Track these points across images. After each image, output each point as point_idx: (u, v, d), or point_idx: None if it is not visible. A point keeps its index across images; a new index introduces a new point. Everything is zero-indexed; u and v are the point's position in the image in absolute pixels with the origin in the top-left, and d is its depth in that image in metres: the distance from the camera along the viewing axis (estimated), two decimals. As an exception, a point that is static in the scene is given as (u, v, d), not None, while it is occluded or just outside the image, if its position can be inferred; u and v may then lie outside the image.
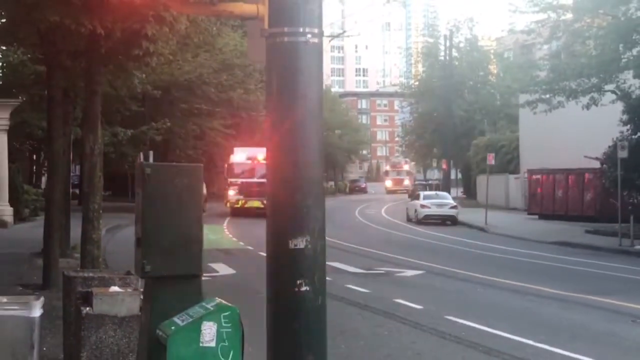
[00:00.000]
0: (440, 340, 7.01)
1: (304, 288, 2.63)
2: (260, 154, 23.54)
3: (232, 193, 25.92)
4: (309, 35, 2.45)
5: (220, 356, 2.82)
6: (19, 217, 19.77)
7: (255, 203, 24.05)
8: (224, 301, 2.99)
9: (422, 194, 27.08)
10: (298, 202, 2.58)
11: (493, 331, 7.20)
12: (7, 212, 19.10)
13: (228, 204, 26.38)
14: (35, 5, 8.43)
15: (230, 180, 26.24)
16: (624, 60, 18.11)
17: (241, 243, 17.07)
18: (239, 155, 26.93)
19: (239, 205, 25.51)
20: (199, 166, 3.74)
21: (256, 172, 25.13)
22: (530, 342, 6.68)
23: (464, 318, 7.78)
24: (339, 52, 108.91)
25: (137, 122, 24.65)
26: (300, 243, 2.60)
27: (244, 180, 25.67)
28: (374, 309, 8.70)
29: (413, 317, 8.10)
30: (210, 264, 11.02)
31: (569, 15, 20.51)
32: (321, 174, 2.62)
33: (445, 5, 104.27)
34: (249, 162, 25.99)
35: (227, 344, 2.85)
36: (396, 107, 77.21)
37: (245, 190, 25.36)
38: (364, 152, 74.24)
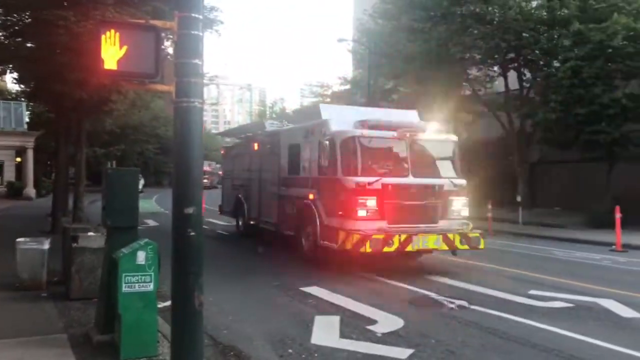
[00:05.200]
0: None
1: (192, 234, 4.87)
2: (408, 116, 12.71)
3: (362, 216, 10.26)
4: (196, 103, 4.60)
5: (147, 268, 5.12)
6: (39, 195, 36.41)
7: (431, 240, 10.29)
8: (149, 240, 5.29)
9: None
10: (190, 188, 4.78)
11: None
12: (32, 192, 36.31)
13: (347, 243, 10.04)
14: (48, 80, 14.91)
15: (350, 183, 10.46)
16: None
17: (162, 209, 28.40)
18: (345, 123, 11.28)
19: (392, 248, 9.95)
20: (136, 169, 6.12)
21: (415, 161, 10.96)
22: None
23: None
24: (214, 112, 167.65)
25: (109, 144, 47.77)
26: (190, 210, 4.81)
27: (393, 181, 10.63)
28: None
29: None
30: (144, 220, 18.58)
31: None
32: (201, 175, 4.80)
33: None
34: (392, 134, 10.96)
35: (150, 262, 5.15)
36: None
37: (405, 212, 10.63)
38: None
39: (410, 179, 10.91)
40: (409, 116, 13.04)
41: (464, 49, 24.82)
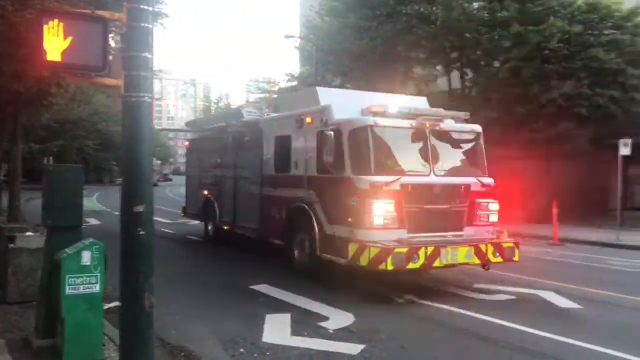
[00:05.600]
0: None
1: (142, 233, 4.71)
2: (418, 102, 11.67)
3: (379, 224, 8.44)
4: (146, 97, 4.44)
5: (92, 269, 4.92)
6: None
7: (462, 253, 8.61)
8: (95, 239, 5.08)
9: None
10: (140, 186, 4.62)
11: None
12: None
13: (362, 259, 8.26)
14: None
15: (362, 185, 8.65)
16: None
17: (104, 207, 28.12)
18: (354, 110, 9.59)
19: (418, 264, 8.17)
20: (80, 167, 5.87)
21: (436, 157, 9.34)
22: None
23: None
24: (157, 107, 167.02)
25: (46, 140, 44.80)
26: (140, 208, 4.65)
27: (414, 181, 8.89)
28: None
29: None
30: (85, 219, 15.41)
31: None
32: (150, 173, 4.65)
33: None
34: (410, 124, 9.21)
35: (96, 263, 4.95)
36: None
37: (427, 218, 8.95)
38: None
39: (433, 178, 9.16)
40: (419, 103, 11.36)
41: (409, 48, 25.27)
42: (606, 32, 21.89)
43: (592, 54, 21.13)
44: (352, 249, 8.55)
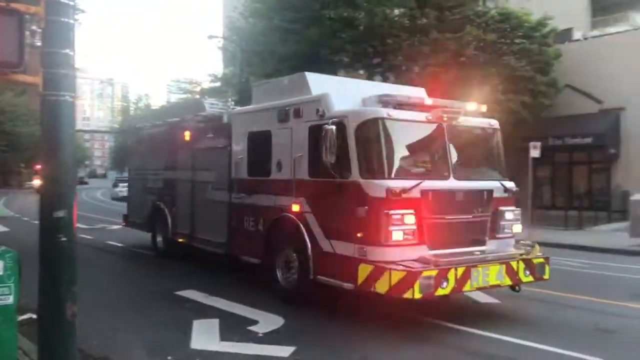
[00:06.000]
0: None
1: (63, 239, 4.47)
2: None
3: (398, 239, 6.94)
4: (67, 96, 4.21)
5: (5, 279, 4.60)
6: None
7: (492, 272, 7.26)
8: (7, 247, 4.76)
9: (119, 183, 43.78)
10: (60, 190, 4.38)
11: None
12: None
13: (380, 284, 6.73)
14: None
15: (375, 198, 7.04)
16: None
17: (12, 213, 26.27)
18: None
19: (447, 290, 6.77)
20: None
21: (454, 156, 7.94)
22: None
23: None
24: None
25: None
26: (60, 213, 4.41)
27: (435, 186, 7.41)
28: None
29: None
30: None
31: None
32: (74, 176, 4.43)
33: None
34: (425, 117, 7.76)
35: (10, 272, 4.62)
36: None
37: (449, 231, 7.56)
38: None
39: (453, 183, 7.67)
40: (419, 94, 9.72)
41: (334, 51, 25.57)
42: (517, 40, 23.16)
43: (504, 62, 22.30)
44: (363, 271, 6.96)
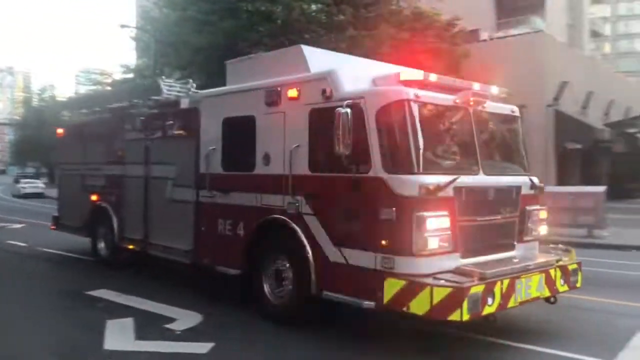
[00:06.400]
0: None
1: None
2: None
3: (433, 247, 5.81)
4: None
5: None
6: None
7: (534, 283, 6.27)
8: None
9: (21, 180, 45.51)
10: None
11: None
12: None
13: (419, 304, 5.49)
14: None
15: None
16: None
17: None
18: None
19: (493, 307, 5.64)
20: None
21: (482, 147, 6.81)
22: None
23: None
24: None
25: None
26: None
27: (467, 182, 6.23)
28: None
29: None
30: None
31: None
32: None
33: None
34: (452, 100, 6.56)
35: None
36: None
37: (481, 235, 6.44)
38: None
39: (483, 178, 6.55)
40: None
41: (251, 44, 25.39)
42: (430, 39, 24.09)
43: (418, 60, 23.13)
44: (390, 286, 5.74)
